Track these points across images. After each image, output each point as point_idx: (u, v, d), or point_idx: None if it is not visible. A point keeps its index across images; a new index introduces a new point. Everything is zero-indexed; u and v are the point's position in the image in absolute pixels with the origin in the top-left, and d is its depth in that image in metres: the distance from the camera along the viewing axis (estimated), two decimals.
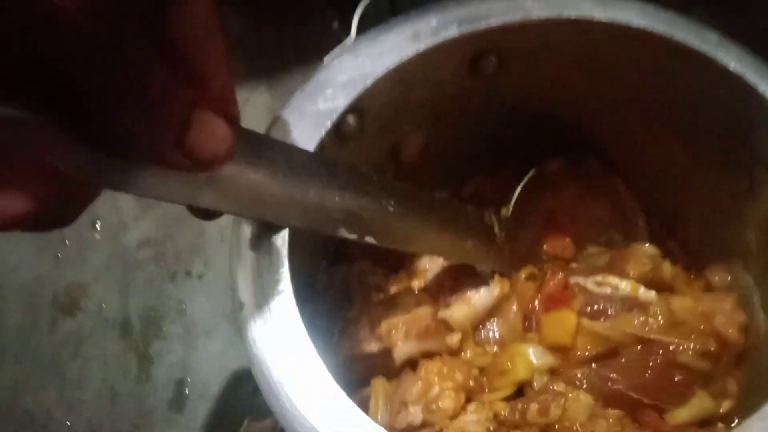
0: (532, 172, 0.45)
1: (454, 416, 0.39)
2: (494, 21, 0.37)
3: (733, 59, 0.35)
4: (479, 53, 0.39)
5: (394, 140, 0.44)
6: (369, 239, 0.34)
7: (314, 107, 0.36)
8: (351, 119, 0.39)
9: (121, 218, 0.61)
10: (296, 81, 0.62)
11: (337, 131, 0.38)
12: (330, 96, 0.36)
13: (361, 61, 0.36)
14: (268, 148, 0.30)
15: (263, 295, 0.32)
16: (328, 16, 0.66)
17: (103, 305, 0.59)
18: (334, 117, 0.35)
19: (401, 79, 0.39)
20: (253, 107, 0.64)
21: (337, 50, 0.37)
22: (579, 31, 0.38)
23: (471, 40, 0.38)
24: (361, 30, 0.38)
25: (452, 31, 0.37)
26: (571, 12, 0.37)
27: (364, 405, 0.39)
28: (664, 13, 0.37)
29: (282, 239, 0.33)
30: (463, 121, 0.45)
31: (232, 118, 0.27)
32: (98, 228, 0.61)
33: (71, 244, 0.61)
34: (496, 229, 0.43)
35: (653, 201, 0.47)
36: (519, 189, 0.45)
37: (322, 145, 0.37)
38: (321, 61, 0.35)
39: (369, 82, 0.36)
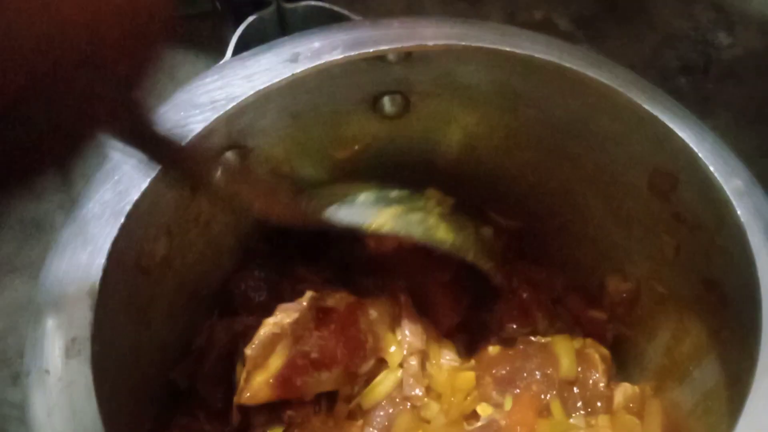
0: None
1: None
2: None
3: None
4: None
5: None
6: None
7: None
8: (231, 157, 0.34)
9: None
10: None
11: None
12: (181, 123, 0.30)
13: (227, 81, 0.32)
14: None
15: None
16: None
17: None
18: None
19: (289, 111, 0.34)
20: None
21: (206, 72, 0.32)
22: (487, 64, 0.33)
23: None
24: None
25: (336, 54, 0.32)
26: (471, 42, 0.32)
27: None
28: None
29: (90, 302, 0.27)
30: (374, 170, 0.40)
31: None
32: None
33: None
34: None
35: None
36: None
37: (191, 188, 0.32)
38: None
39: (230, 106, 0.31)
